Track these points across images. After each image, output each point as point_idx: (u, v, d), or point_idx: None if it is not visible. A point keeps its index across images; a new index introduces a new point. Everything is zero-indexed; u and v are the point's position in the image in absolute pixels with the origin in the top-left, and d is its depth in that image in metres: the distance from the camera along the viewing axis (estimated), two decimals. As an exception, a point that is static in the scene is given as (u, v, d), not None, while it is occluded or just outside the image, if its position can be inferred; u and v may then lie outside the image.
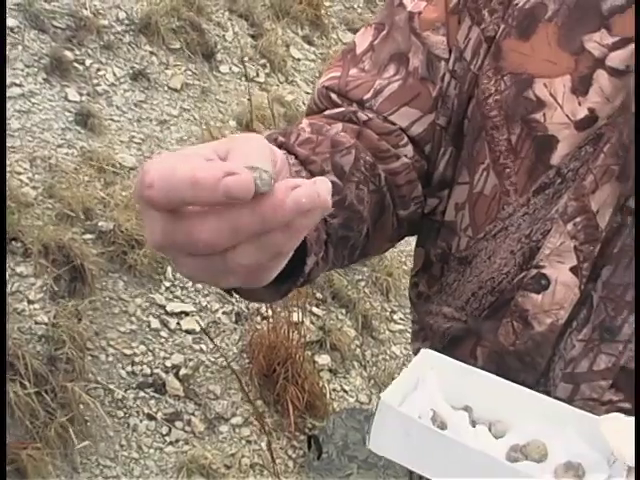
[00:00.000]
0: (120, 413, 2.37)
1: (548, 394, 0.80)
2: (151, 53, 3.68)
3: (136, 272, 2.69)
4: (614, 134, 0.78)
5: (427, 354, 0.80)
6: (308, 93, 4.09)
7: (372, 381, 2.83)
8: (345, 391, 2.78)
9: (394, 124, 0.90)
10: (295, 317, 2.61)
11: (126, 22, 3.67)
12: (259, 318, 2.79)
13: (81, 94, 3.28)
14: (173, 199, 0.52)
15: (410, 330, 1.07)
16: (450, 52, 0.89)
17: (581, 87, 0.79)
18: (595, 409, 0.79)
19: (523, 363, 0.86)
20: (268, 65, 4.14)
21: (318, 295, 3.01)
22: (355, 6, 5.08)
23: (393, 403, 0.73)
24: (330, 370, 2.79)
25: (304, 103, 3.99)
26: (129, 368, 2.47)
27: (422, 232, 0.97)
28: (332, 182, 0.76)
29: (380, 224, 0.89)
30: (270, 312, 2.65)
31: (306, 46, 4.50)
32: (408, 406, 0.76)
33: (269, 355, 2.58)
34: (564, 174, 0.81)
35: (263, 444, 2.47)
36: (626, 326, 0.79)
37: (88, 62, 3.42)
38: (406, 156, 0.89)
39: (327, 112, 0.92)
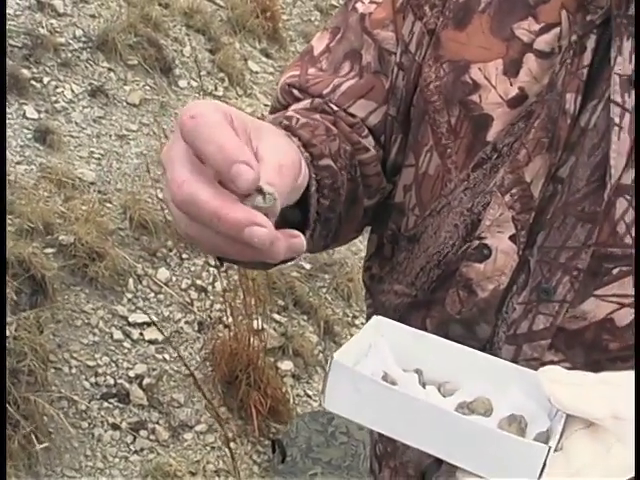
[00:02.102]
0: (84, 424, 2.39)
1: None
2: (109, 69, 3.71)
3: (98, 285, 2.71)
4: (543, 110, 0.83)
5: (378, 321, 0.84)
6: (267, 105, 4.14)
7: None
8: (309, 396, 2.81)
9: (354, 116, 0.96)
10: (257, 324, 2.64)
11: (83, 39, 3.71)
12: (221, 326, 2.82)
13: (39, 111, 3.30)
14: (195, 217, 0.63)
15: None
16: (398, 47, 0.95)
17: (512, 69, 0.86)
18: (537, 369, 0.84)
19: (470, 330, 0.91)
20: (226, 79, 4.19)
21: (280, 302, 3.05)
22: (312, 19, 5.15)
23: (344, 361, 0.77)
24: (293, 376, 2.83)
25: (263, 115, 4.04)
26: (92, 379, 2.49)
27: (376, 218, 1.02)
28: (328, 165, 0.85)
29: (352, 212, 0.95)
30: (232, 320, 2.68)
31: (264, 59, 4.56)
32: (361, 368, 0.79)
33: (231, 362, 2.61)
34: (500, 149, 0.87)
35: (227, 450, 2.50)
36: (560, 286, 0.84)
37: (46, 80, 3.45)
38: (372, 147, 0.95)
39: (294, 106, 0.97)
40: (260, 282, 2.76)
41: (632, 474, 0.78)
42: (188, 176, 0.63)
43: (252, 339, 2.62)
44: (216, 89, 4.10)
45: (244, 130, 0.67)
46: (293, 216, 0.80)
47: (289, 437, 2.52)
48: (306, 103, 0.98)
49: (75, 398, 2.41)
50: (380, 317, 0.85)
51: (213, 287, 2.96)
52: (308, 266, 3.31)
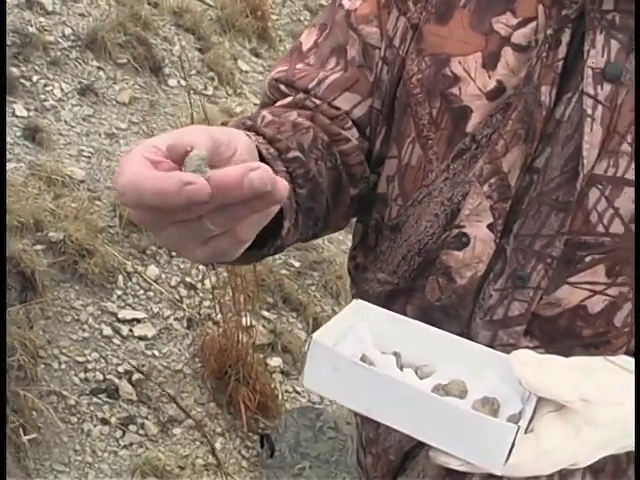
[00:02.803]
0: (74, 419, 2.40)
1: None
2: (98, 68, 3.72)
3: (87, 281, 2.72)
4: (520, 102, 0.86)
5: (358, 304, 0.87)
6: (256, 104, 4.16)
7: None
8: (297, 392, 2.83)
9: (339, 109, 0.98)
10: (246, 321, 2.65)
11: (72, 38, 3.71)
12: (210, 323, 2.83)
13: (28, 109, 3.31)
14: (143, 204, 0.62)
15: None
16: (383, 41, 0.98)
17: (490, 62, 0.88)
18: None
19: (448, 316, 0.93)
20: (216, 78, 4.20)
21: (269, 299, 3.06)
22: (302, 18, 5.17)
23: (323, 341, 0.79)
24: (282, 372, 2.85)
25: (252, 114, 4.05)
26: (82, 375, 2.50)
27: (361, 208, 1.05)
28: (297, 157, 0.87)
29: (339, 200, 0.97)
30: (221, 317, 2.70)
31: (253, 59, 4.57)
32: (339, 349, 0.81)
33: (220, 358, 2.63)
34: (478, 140, 0.89)
35: (217, 445, 2.52)
36: (534, 273, 0.87)
37: (35, 78, 3.45)
38: (354, 138, 0.98)
39: (279, 103, 1.00)
40: (249, 279, 2.77)
41: (600, 456, 0.80)
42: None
43: (241, 336, 2.63)
44: (206, 88, 4.11)
45: (219, 145, 0.68)
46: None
47: (278, 432, 2.54)
48: (289, 100, 1.00)
49: (64, 393, 2.42)
50: (360, 300, 0.88)
51: (202, 284, 2.97)
52: (297, 264, 3.32)
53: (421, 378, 0.84)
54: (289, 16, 5.17)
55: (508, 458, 0.73)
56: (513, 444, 0.72)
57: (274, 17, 5.05)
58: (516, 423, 0.73)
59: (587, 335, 0.88)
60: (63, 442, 2.34)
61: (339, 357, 0.78)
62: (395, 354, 0.86)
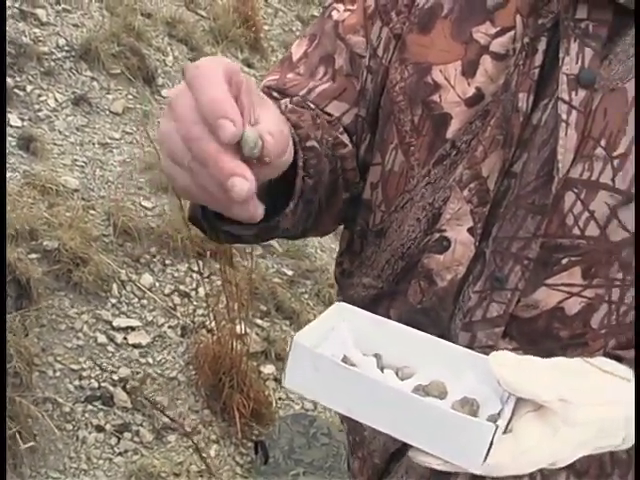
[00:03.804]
0: (69, 426, 2.41)
1: None
2: (92, 78, 3.74)
3: (82, 289, 2.74)
4: (498, 109, 0.88)
5: (340, 306, 0.88)
6: (249, 114, 4.18)
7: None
8: (291, 399, 2.85)
9: (331, 115, 1.01)
10: (239, 329, 2.67)
11: (66, 48, 3.74)
12: (204, 331, 2.85)
13: (23, 119, 3.33)
14: (191, 139, 0.66)
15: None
16: (367, 50, 1.00)
17: (470, 70, 0.90)
18: None
19: (429, 318, 0.95)
20: (209, 88, 4.22)
21: (262, 307, 3.08)
22: (293, 29, 5.21)
23: (304, 341, 0.80)
24: (276, 379, 2.86)
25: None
26: (77, 382, 2.52)
27: (347, 214, 1.07)
28: (314, 147, 0.90)
29: (332, 202, 0.99)
30: (214, 325, 2.72)
31: (246, 69, 4.60)
32: (321, 350, 0.82)
33: (214, 366, 2.64)
34: (458, 146, 0.91)
35: (211, 452, 2.53)
36: (512, 275, 0.89)
37: (29, 88, 3.47)
38: (349, 143, 1.00)
39: (279, 102, 1.02)
40: (243, 288, 2.79)
41: (578, 456, 0.81)
42: (196, 117, 0.66)
43: (235, 343, 2.65)
44: (198, 98, 4.13)
45: (249, 92, 0.70)
46: (276, 189, 0.83)
47: (271, 439, 2.55)
48: (286, 101, 1.02)
49: (60, 400, 2.43)
50: (342, 303, 0.89)
51: (196, 292, 2.99)
52: (290, 272, 3.34)
53: (402, 379, 0.85)
54: (281, 27, 5.21)
55: (487, 457, 0.73)
56: (491, 443, 0.73)
57: (266, 28, 5.09)
58: (494, 423, 0.74)
59: (565, 336, 0.90)
60: (58, 449, 2.35)
61: (320, 357, 0.79)
62: (376, 355, 0.87)
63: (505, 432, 0.77)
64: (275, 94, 1.04)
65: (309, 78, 1.04)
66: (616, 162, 0.83)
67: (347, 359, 0.84)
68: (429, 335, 0.87)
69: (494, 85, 0.89)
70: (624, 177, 0.83)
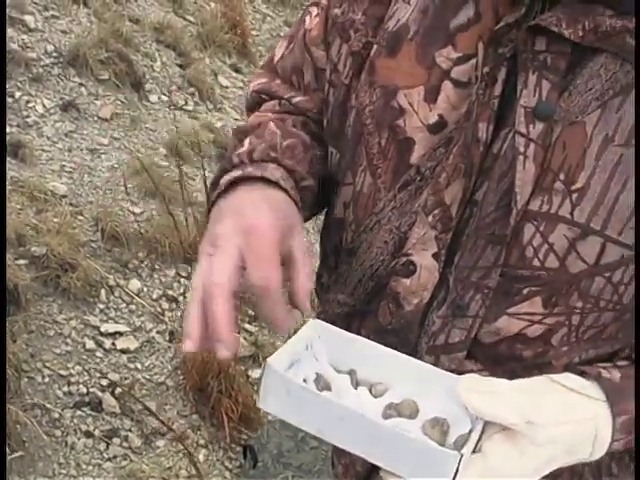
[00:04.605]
0: (57, 432, 2.42)
1: None
2: (80, 84, 3.75)
3: (70, 295, 2.75)
4: (461, 137, 0.88)
5: (315, 324, 0.89)
6: (237, 119, 4.20)
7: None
8: (279, 403, 2.85)
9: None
10: (227, 333, 2.68)
11: (54, 55, 3.75)
12: (193, 336, 2.85)
13: (11, 125, 3.34)
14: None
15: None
16: (328, 65, 1.02)
17: (431, 96, 0.90)
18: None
19: (398, 339, 0.96)
20: (197, 93, 4.24)
21: (250, 312, 3.09)
22: (281, 34, 5.22)
23: (276, 365, 0.82)
24: (264, 384, 2.87)
25: (232, 129, 4.09)
26: (65, 388, 2.52)
27: (322, 231, 1.09)
28: (309, 186, 0.98)
29: (314, 212, 1.08)
30: (203, 329, 2.72)
31: (234, 74, 4.62)
32: (296, 370, 0.85)
33: (202, 370, 2.65)
34: (423, 172, 0.92)
35: (200, 456, 2.54)
36: (473, 303, 0.89)
37: (17, 94, 3.48)
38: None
39: (268, 104, 1.09)
40: (231, 292, 2.80)
41: (545, 472, 0.82)
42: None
43: (223, 348, 2.65)
44: (186, 104, 4.15)
45: (282, 232, 0.84)
46: None
47: (260, 443, 2.57)
48: (274, 103, 1.07)
49: (48, 406, 2.44)
50: (317, 320, 0.90)
51: (184, 297, 3.00)
52: (278, 277, 3.35)
53: (375, 396, 0.86)
54: (269, 32, 5.23)
55: None
56: (457, 471, 0.74)
57: (254, 33, 5.10)
58: (462, 445, 0.76)
59: (528, 357, 0.91)
60: (47, 455, 2.35)
61: (291, 382, 0.80)
62: (350, 372, 0.88)
63: (474, 452, 0.79)
64: (264, 96, 1.10)
65: (289, 87, 1.08)
66: (575, 196, 0.83)
67: (321, 377, 0.86)
68: (402, 354, 0.89)
69: (457, 112, 0.89)
70: (582, 211, 0.83)
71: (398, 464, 0.77)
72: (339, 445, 0.80)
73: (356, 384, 0.88)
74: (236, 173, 0.92)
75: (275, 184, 0.92)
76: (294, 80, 1.08)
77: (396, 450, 0.76)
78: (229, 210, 0.88)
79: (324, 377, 0.86)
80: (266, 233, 0.83)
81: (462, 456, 0.74)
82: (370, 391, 0.87)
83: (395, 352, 0.89)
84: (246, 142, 0.98)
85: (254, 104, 1.12)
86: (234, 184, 0.91)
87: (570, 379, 0.85)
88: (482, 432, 0.80)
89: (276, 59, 1.11)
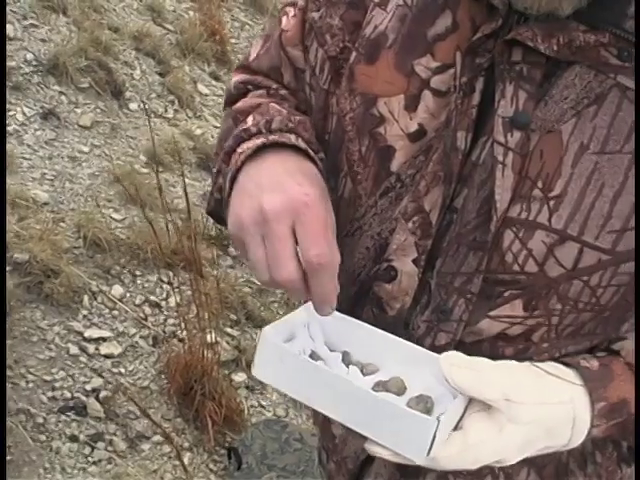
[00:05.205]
0: (42, 437, 2.43)
1: None
2: (60, 92, 3.76)
3: (53, 301, 2.76)
4: (440, 145, 0.90)
5: (311, 305, 0.92)
6: (216, 127, 4.22)
7: (287, 396, 2.94)
8: (262, 406, 2.88)
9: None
10: (210, 338, 2.70)
11: (34, 63, 3.76)
12: (175, 340, 2.88)
13: (-8, 134, 3.34)
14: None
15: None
16: (307, 66, 1.04)
17: (411, 105, 0.91)
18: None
19: None
20: (176, 101, 4.26)
21: (232, 316, 3.12)
22: (259, 43, 5.24)
23: (272, 334, 0.85)
24: (247, 387, 2.90)
25: (213, 137, 4.11)
26: (50, 393, 2.53)
27: None
28: (323, 158, 0.96)
29: None
30: (186, 334, 2.75)
31: (213, 82, 4.64)
32: (291, 345, 0.88)
33: (186, 374, 2.67)
34: (403, 179, 0.93)
35: (185, 459, 2.56)
36: (456, 308, 0.91)
37: (-3, 103, 3.49)
38: None
39: (256, 92, 1.08)
40: (213, 297, 2.82)
41: (524, 455, 0.85)
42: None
43: (206, 352, 2.68)
44: (166, 111, 4.17)
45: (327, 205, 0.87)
46: None
47: (244, 445, 2.58)
48: (262, 92, 1.07)
49: (33, 411, 2.45)
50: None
51: (167, 302, 3.02)
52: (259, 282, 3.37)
53: (365, 375, 0.90)
54: (247, 40, 5.25)
55: (430, 450, 0.78)
56: (434, 437, 0.77)
57: (233, 41, 5.13)
58: (437, 418, 0.78)
59: (509, 354, 0.93)
60: (32, 460, 2.36)
61: (285, 350, 0.84)
62: (344, 353, 0.92)
63: (456, 429, 0.82)
64: (250, 87, 1.09)
65: (272, 81, 1.09)
66: (552, 203, 0.85)
67: (315, 354, 0.89)
68: (394, 336, 0.92)
69: (436, 121, 0.90)
70: (560, 217, 0.85)
71: (380, 432, 0.80)
72: (326, 413, 0.83)
73: (349, 364, 0.91)
74: (259, 140, 0.90)
75: (304, 152, 0.91)
76: (271, 77, 1.08)
77: (378, 417, 0.79)
78: (267, 182, 0.85)
79: (318, 354, 0.89)
80: (316, 209, 0.83)
81: (439, 422, 0.77)
82: (361, 371, 0.90)
83: (389, 335, 0.92)
84: (250, 119, 0.97)
85: (239, 95, 1.11)
86: (258, 151, 0.90)
87: (550, 365, 0.88)
88: (465, 411, 0.83)
89: (251, 58, 1.12)
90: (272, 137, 0.90)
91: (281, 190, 0.83)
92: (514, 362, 0.86)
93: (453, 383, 0.81)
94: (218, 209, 1.02)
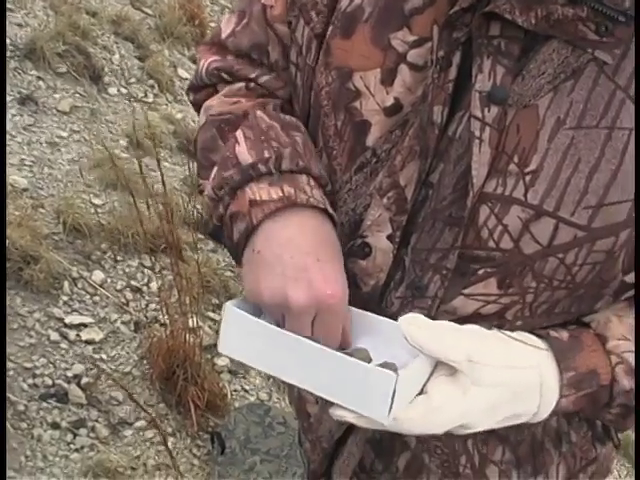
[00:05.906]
0: (23, 425, 2.41)
1: None
2: (38, 78, 3.73)
3: (33, 288, 2.73)
4: (417, 120, 0.89)
5: None
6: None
7: (271, 379, 2.94)
8: (246, 390, 2.87)
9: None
10: (192, 322, 2.69)
11: (11, 48, 3.71)
12: (157, 325, 2.86)
13: (-32, 120, 3.31)
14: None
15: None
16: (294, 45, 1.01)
17: (387, 79, 0.90)
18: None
19: None
20: (156, 85, 4.23)
21: (214, 301, 3.10)
22: (240, 26, 5.21)
23: (235, 307, 0.84)
24: (230, 371, 2.89)
25: (193, 121, 4.09)
26: (30, 381, 2.51)
27: None
28: (330, 191, 0.96)
29: None
30: (167, 319, 2.73)
31: (193, 66, 4.60)
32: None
33: (168, 359, 2.65)
34: (379, 154, 0.92)
35: (168, 444, 2.54)
36: (431, 284, 0.91)
37: (-26, 88, 3.45)
38: None
39: (233, 86, 1.05)
40: (194, 281, 2.81)
41: (491, 421, 0.85)
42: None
43: (188, 337, 2.66)
44: (146, 96, 4.14)
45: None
46: None
47: (227, 429, 2.58)
48: (240, 86, 1.05)
49: (13, 399, 2.43)
50: None
51: (148, 287, 3.00)
52: (242, 266, 3.36)
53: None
54: (227, 23, 5.21)
55: (391, 407, 0.77)
56: (394, 393, 0.77)
57: (212, 25, 5.09)
58: (396, 372, 0.78)
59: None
60: (13, 448, 2.34)
61: (249, 319, 0.84)
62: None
63: (420, 394, 0.81)
64: (225, 76, 1.06)
65: (248, 64, 1.05)
66: (528, 178, 0.84)
67: (281, 327, 0.88)
68: (363, 310, 0.92)
69: (413, 96, 0.89)
70: (536, 193, 0.84)
71: (344, 394, 0.79)
72: (290, 380, 0.83)
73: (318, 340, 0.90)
74: (275, 194, 0.89)
75: (324, 210, 0.91)
76: (254, 57, 1.05)
77: (341, 378, 0.79)
78: (290, 263, 0.86)
79: (285, 328, 0.88)
80: (338, 310, 0.87)
81: (398, 376, 0.76)
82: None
83: (358, 310, 0.92)
84: (240, 137, 0.95)
85: (211, 84, 1.08)
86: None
87: (518, 333, 0.88)
88: (430, 375, 0.83)
89: (225, 35, 1.08)
90: (287, 189, 0.89)
91: (306, 282, 0.85)
92: (479, 327, 0.86)
93: (412, 341, 0.80)
94: (219, 233, 1.01)
